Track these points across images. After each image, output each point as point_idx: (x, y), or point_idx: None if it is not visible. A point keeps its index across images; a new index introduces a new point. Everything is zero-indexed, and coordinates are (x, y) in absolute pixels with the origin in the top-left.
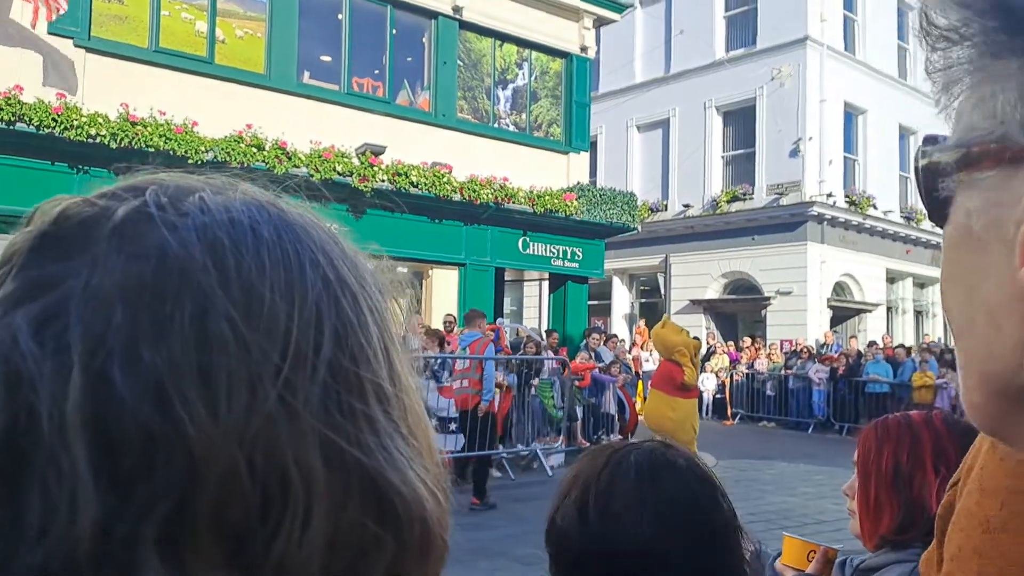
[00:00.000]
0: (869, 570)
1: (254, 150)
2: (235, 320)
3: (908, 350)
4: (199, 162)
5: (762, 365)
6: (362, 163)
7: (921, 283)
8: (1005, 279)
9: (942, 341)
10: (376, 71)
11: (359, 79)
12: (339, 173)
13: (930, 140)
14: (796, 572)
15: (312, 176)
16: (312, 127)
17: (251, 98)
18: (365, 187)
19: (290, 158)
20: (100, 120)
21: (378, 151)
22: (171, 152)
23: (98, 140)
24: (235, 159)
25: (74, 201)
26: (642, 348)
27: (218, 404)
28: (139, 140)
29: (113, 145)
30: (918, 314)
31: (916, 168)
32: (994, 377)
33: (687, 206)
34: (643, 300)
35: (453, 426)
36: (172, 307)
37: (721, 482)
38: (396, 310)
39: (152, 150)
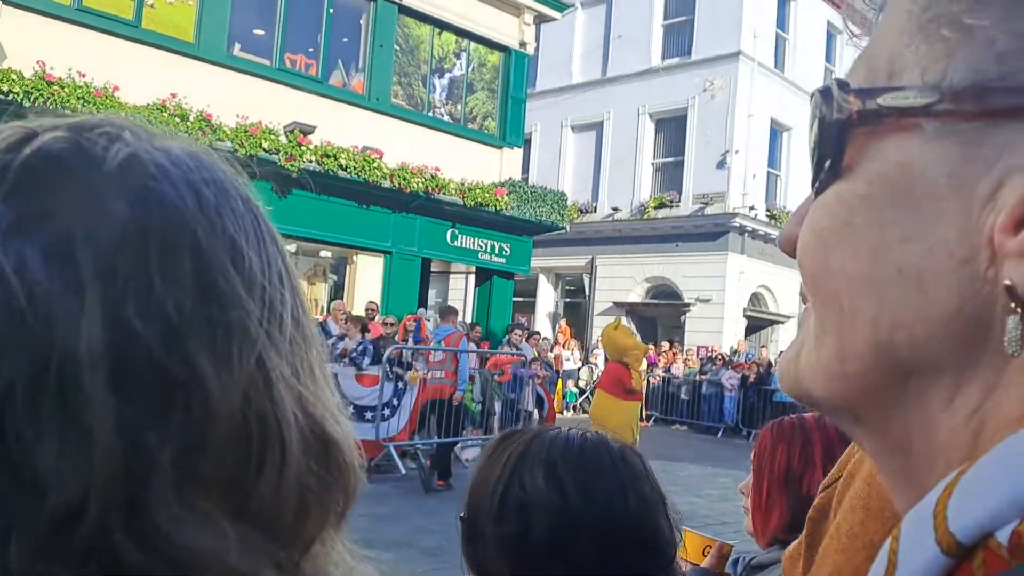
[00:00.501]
0: (760, 567)
1: (177, 120)
2: (229, 274)
3: None
4: None
5: (678, 369)
6: (290, 142)
7: None
8: (950, 242)
9: None
10: (310, 49)
11: (292, 55)
12: (265, 150)
13: (845, 84)
14: (692, 566)
15: (236, 151)
16: (240, 101)
17: (177, 66)
18: (292, 166)
19: (215, 131)
20: (13, 76)
21: (307, 130)
22: (88, 115)
23: (10, 97)
24: (156, 128)
25: (54, 135)
26: (564, 347)
27: (228, 355)
28: (54, 100)
29: (27, 103)
30: None
31: (823, 114)
32: (894, 346)
33: (616, 209)
34: (567, 300)
35: (369, 414)
36: (177, 257)
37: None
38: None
39: (69, 112)
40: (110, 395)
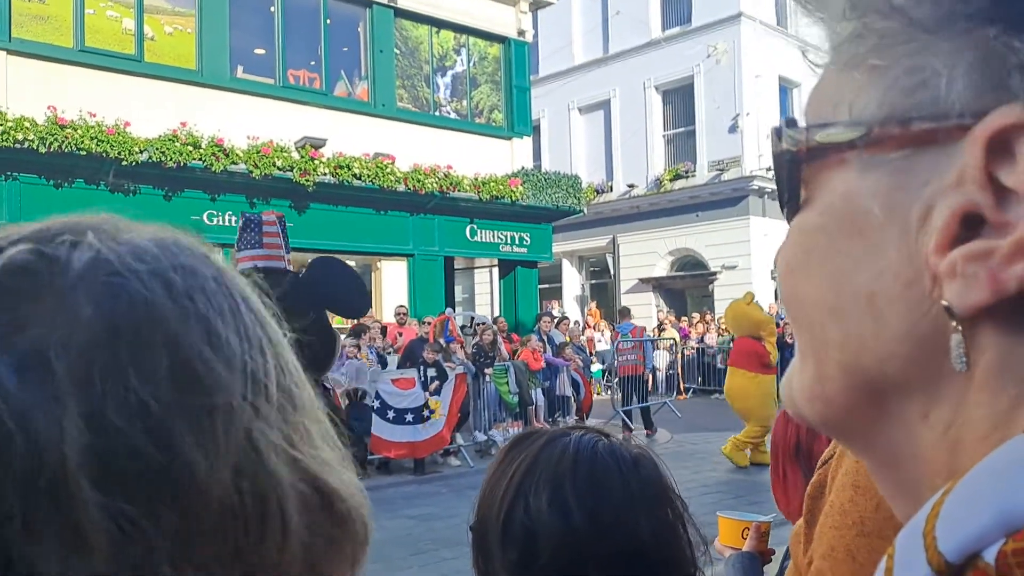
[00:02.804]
0: None
1: (190, 148)
2: (206, 356)
3: None
4: (134, 163)
5: (712, 339)
6: (302, 157)
7: None
8: (895, 266)
9: None
10: (312, 62)
11: (295, 71)
12: (279, 168)
13: (792, 122)
14: (733, 550)
15: (251, 172)
16: (249, 122)
17: (184, 95)
18: (306, 181)
19: (228, 155)
20: (27, 124)
21: (318, 144)
22: (103, 154)
23: (26, 145)
24: (171, 158)
25: (17, 248)
26: (594, 329)
27: (214, 436)
28: (69, 143)
29: (42, 149)
30: None
31: (782, 150)
32: (861, 370)
33: (631, 186)
34: (593, 281)
35: (409, 416)
36: (151, 349)
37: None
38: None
39: (83, 153)
40: (99, 495)
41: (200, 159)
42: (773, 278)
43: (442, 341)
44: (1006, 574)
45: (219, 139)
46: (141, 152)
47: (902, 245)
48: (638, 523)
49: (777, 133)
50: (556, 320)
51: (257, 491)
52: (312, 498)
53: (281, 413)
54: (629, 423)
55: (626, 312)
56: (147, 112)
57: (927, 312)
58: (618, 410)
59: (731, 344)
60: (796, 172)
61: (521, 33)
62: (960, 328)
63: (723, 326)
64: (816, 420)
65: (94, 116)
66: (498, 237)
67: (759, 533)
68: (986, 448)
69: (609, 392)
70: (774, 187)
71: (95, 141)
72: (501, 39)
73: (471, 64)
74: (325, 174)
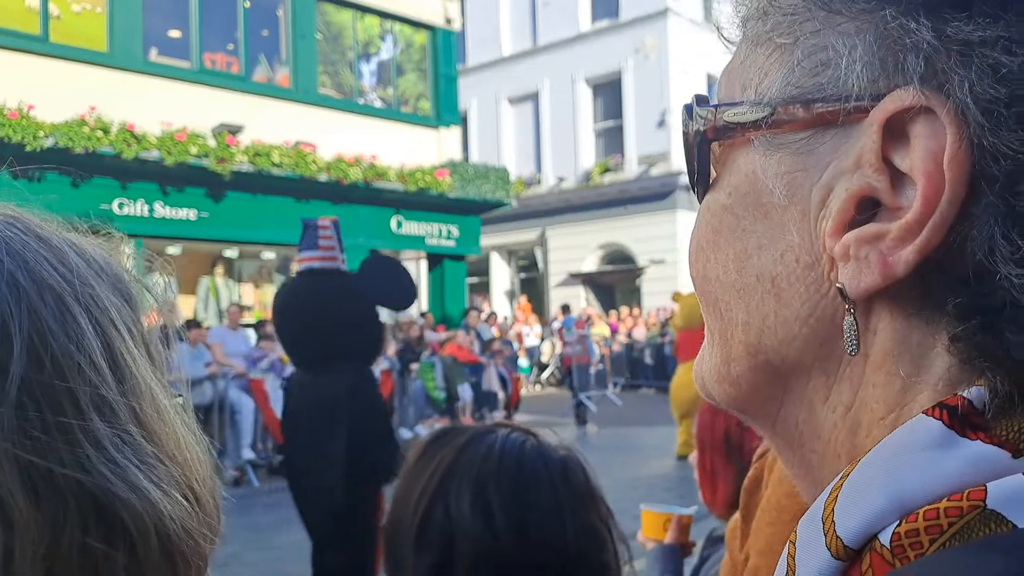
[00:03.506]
0: (721, 538)
1: (99, 134)
2: None
3: None
4: (38, 149)
5: (640, 334)
6: (219, 144)
7: None
8: (796, 248)
9: None
10: (230, 46)
11: (212, 55)
12: (194, 156)
13: (702, 100)
14: (655, 543)
15: (164, 160)
16: (163, 108)
17: (93, 78)
18: (223, 169)
19: (139, 141)
20: None
21: (235, 130)
22: (5, 139)
23: None
24: (78, 144)
25: None
26: (524, 324)
27: None
28: None
29: None
30: None
31: (689, 130)
32: (763, 349)
33: (561, 179)
34: (523, 275)
35: None
36: None
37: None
38: (151, 304)
39: None
40: None
41: (110, 145)
42: None
43: None
44: (900, 554)
45: (130, 125)
46: (46, 137)
47: (803, 227)
48: (564, 530)
49: (688, 111)
50: (485, 315)
51: None
52: (72, 512)
53: (26, 414)
54: (591, 407)
55: (567, 308)
56: (53, 95)
57: (825, 294)
58: (580, 397)
59: (657, 338)
60: (705, 151)
61: (448, 21)
62: (852, 311)
63: (651, 321)
64: (725, 401)
65: None
66: (425, 229)
67: (680, 525)
68: (882, 430)
69: (538, 387)
70: None
71: None
72: (428, 27)
73: (397, 51)
74: (243, 162)
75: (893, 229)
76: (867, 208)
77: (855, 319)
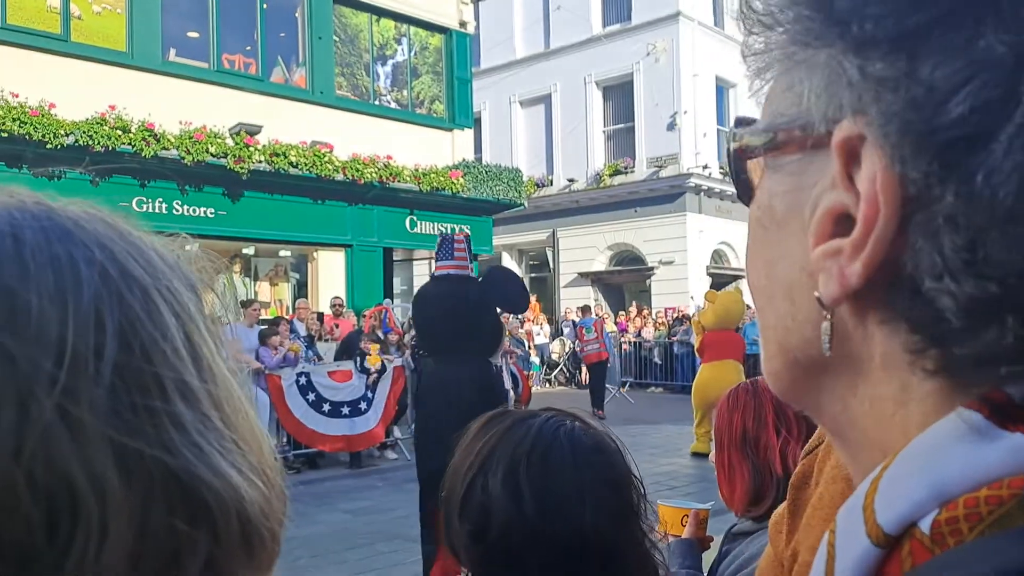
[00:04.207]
0: (743, 533)
1: (119, 132)
2: None
3: None
4: (59, 146)
5: (649, 333)
6: (237, 144)
7: None
8: (800, 258)
9: None
10: (248, 47)
11: (230, 56)
12: (212, 155)
13: (742, 122)
14: (673, 538)
15: (183, 159)
16: (181, 107)
17: (113, 77)
18: (241, 168)
19: (159, 140)
20: None
21: (253, 131)
22: (27, 137)
23: None
24: (98, 142)
25: None
26: (534, 323)
27: None
28: None
29: None
30: None
31: (728, 148)
32: (790, 348)
33: (571, 180)
34: (533, 275)
35: (345, 409)
36: None
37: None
38: (212, 298)
39: (6, 135)
40: None
41: (130, 144)
42: (708, 274)
43: (380, 332)
44: (940, 541)
45: (149, 123)
46: (67, 135)
47: (803, 240)
48: (583, 511)
49: (732, 127)
50: None
51: (59, 483)
52: (159, 493)
53: (118, 396)
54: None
55: (587, 308)
56: (73, 94)
57: None
58: (616, 390)
59: (666, 338)
60: (740, 168)
61: (463, 24)
62: (829, 316)
63: (659, 321)
64: (777, 394)
65: (16, 96)
66: (438, 229)
67: (698, 520)
68: (895, 426)
69: (547, 385)
70: (710, 185)
71: (18, 123)
72: (443, 30)
73: (412, 54)
74: (260, 162)
75: (846, 245)
76: (847, 224)
77: (831, 324)
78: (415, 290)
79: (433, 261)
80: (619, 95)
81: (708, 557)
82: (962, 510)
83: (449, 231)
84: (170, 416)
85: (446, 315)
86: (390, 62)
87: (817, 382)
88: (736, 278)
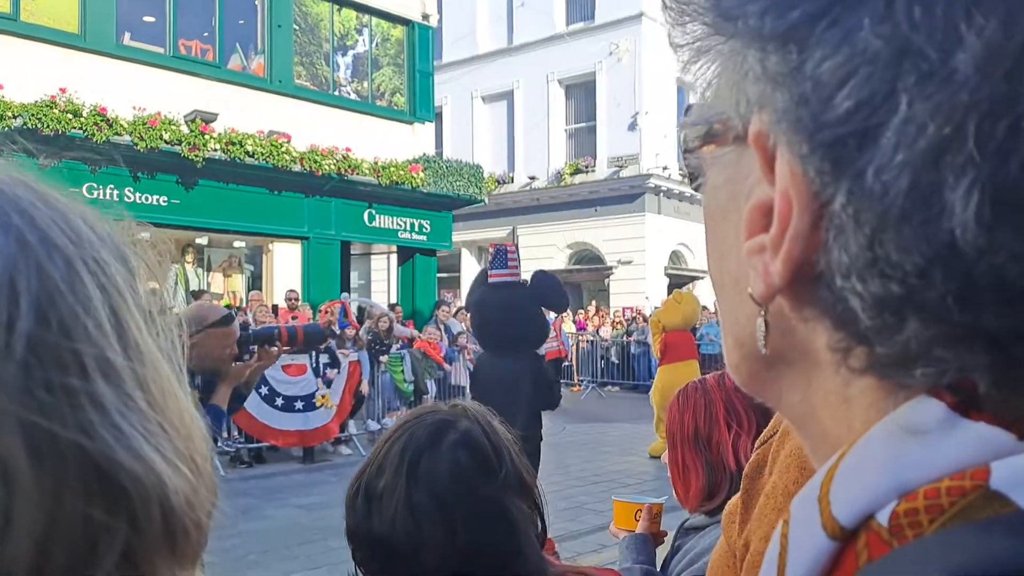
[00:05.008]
0: (694, 528)
1: (69, 116)
2: None
3: None
4: (6, 128)
5: (606, 332)
6: (192, 131)
7: None
8: (741, 251)
9: None
10: (205, 33)
11: (187, 42)
12: (166, 142)
13: (687, 112)
14: (627, 533)
15: (136, 145)
16: (135, 92)
17: (65, 60)
18: (196, 156)
19: (111, 125)
20: None
21: (209, 118)
22: None
23: None
24: (48, 126)
25: None
26: None
27: None
28: None
29: None
30: None
31: (678, 137)
32: (744, 341)
33: (532, 178)
34: None
35: (299, 404)
36: None
37: (506, 447)
38: (147, 273)
39: None
40: None
41: (80, 128)
42: (666, 274)
43: (336, 327)
44: (898, 534)
45: (102, 108)
46: (15, 117)
47: (741, 233)
48: (395, 509)
49: (680, 122)
50: (453, 310)
51: None
52: (74, 478)
53: (30, 373)
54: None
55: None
56: (23, 76)
57: None
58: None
59: (623, 337)
60: (690, 161)
61: (425, 17)
62: (763, 313)
63: (616, 320)
64: (740, 386)
65: None
66: (397, 223)
67: (651, 515)
68: (843, 420)
69: None
70: (669, 186)
71: None
72: (405, 21)
73: (373, 45)
74: (216, 150)
75: (767, 241)
76: (772, 219)
77: (765, 321)
78: (373, 284)
79: (392, 255)
80: (581, 94)
81: (662, 552)
82: (922, 501)
83: (408, 226)
84: (89, 395)
85: (502, 317)
86: (351, 53)
87: (776, 373)
88: (694, 279)
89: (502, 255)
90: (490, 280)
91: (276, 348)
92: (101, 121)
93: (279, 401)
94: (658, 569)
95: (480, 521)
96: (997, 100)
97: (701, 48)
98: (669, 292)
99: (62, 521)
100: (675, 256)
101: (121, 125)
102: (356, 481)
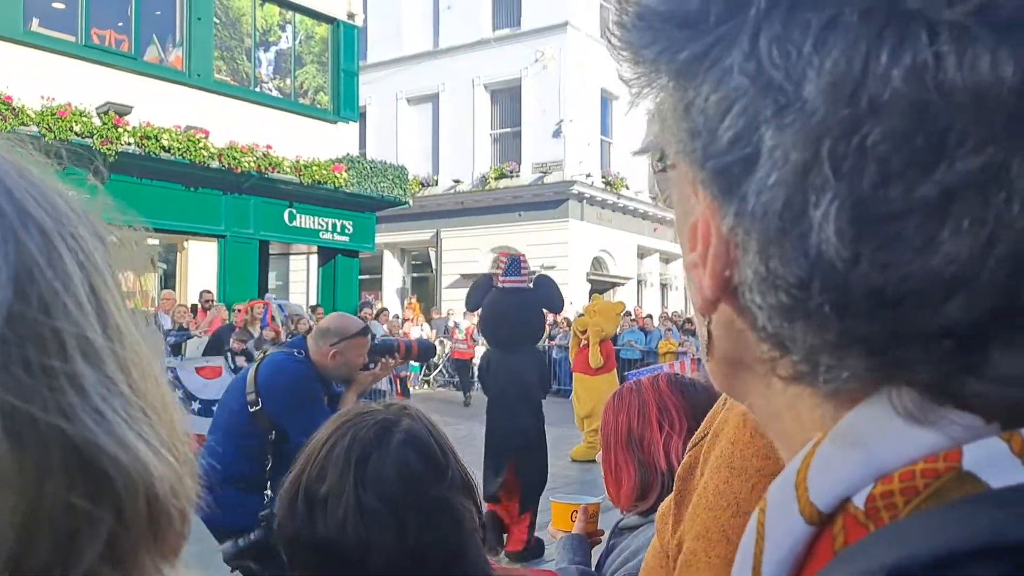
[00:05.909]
0: (630, 528)
1: None
2: None
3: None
4: None
5: None
6: (104, 123)
7: (666, 258)
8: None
9: (683, 312)
10: (120, 23)
11: (100, 31)
12: (77, 134)
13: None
14: (565, 533)
15: (44, 136)
16: (44, 81)
17: None
18: (108, 150)
19: (17, 115)
20: None
21: (123, 111)
22: None
23: None
24: None
25: None
26: (414, 322)
27: None
28: None
29: None
30: (663, 287)
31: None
32: (712, 348)
33: (457, 181)
34: (415, 275)
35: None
36: None
37: (449, 446)
38: (125, 255)
39: None
40: None
41: None
42: (588, 280)
43: (253, 329)
44: (874, 516)
45: (7, 96)
46: None
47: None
48: (342, 513)
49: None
50: (376, 312)
51: None
52: (55, 464)
53: (9, 352)
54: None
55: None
56: None
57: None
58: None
59: (546, 342)
60: (658, 179)
61: (351, 16)
62: (707, 323)
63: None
64: (716, 388)
65: None
66: (319, 223)
67: (587, 515)
68: (796, 420)
69: (426, 387)
70: (592, 193)
71: None
72: (329, 20)
73: (297, 42)
74: (129, 144)
75: (697, 258)
76: None
77: (708, 330)
78: (291, 285)
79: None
80: (507, 99)
81: (598, 552)
82: (897, 484)
83: (330, 226)
84: (69, 377)
85: (511, 317)
86: (273, 49)
87: (741, 379)
88: (614, 285)
89: (516, 264)
90: (504, 286)
91: (394, 360)
92: (6, 110)
93: (195, 405)
94: (593, 568)
95: (430, 521)
96: (844, 124)
97: (639, 83)
98: (590, 298)
99: (44, 509)
100: (597, 262)
101: (28, 115)
102: (293, 486)
